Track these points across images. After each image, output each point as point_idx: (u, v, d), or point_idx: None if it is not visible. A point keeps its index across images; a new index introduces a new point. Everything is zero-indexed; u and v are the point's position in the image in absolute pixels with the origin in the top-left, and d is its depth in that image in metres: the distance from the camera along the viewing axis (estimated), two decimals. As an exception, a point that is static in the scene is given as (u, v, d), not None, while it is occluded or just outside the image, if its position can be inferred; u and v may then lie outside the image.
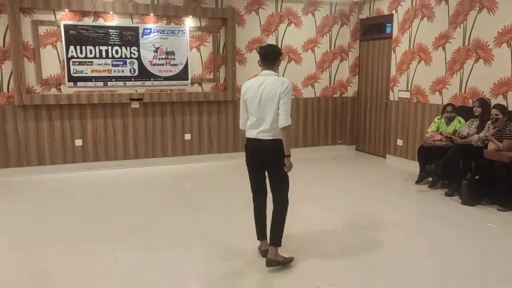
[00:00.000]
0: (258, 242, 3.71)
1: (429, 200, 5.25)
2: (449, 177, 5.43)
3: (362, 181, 6.16)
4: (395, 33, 7.14)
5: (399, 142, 7.14)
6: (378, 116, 7.76)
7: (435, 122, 5.85)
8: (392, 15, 7.18)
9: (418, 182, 5.83)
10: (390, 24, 7.33)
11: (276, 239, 3.44)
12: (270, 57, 3.47)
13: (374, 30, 7.72)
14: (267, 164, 3.50)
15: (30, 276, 3.34)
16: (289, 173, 3.51)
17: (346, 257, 3.74)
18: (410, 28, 6.83)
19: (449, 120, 5.70)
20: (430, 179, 5.76)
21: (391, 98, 7.30)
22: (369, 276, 3.41)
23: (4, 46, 6.03)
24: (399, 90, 7.11)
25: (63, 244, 3.90)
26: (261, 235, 3.65)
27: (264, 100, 3.39)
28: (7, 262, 3.57)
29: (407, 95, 6.95)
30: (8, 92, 6.13)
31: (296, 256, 3.59)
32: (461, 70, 6.03)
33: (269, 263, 3.41)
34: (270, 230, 3.49)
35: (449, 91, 6.23)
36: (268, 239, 3.52)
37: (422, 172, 5.82)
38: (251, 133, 3.47)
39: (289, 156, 3.41)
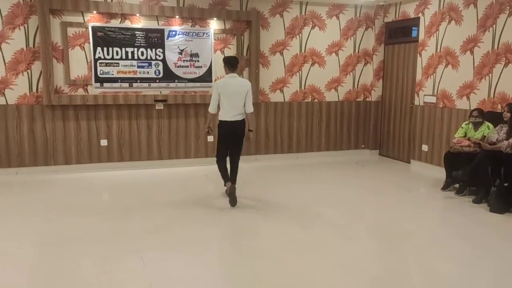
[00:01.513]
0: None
1: (456, 207, 5.14)
2: (477, 183, 5.30)
3: (386, 186, 6.08)
4: (421, 36, 7.04)
5: (424, 148, 7.02)
6: (402, 120, 7.65)
7: (462, 127, 5.73)
8: (418, 18, 7.08)
9: (444, 188, 5.72)
10: (416, 28, 7.23)
11: (236, 179, 5.18)
12: (236, 64, 5.05)
13: (400, 33, 7.63)
14: (237, 136, 5.11)
15: (56, 273, 3.39)
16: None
17: (370, 263, 3.69)
18: (437, 32, 6.73)
19: (476, 125, 5.57)
20: (456, 185, 5.64)
21: (416, 102, 7.19)
22: (393, 284, 3.35)
23: (34, 47, 6.17)
24: (424, 95, 7.00)
25: (88, 243, 3.94)
26: (227, 178, 5.17)
27: (236, 94, 4.96)
28: (32, 260, 3.63)
29: (433, 99, 6.83)
30: (37, 92, 6.27)
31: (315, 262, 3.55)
32: (490, 74, 5.91)
33: (234, 196, 5.00)
34: (233, 175, 5.18)
35: (477, 96, 6.10)
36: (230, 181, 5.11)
37: (448, 178, 5.71)
38: (226, 117, 5.00)
39: (252, 131, 5.20)
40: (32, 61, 6.20)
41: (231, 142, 5.15)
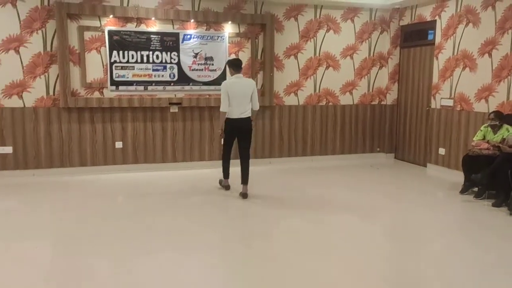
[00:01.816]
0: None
1: (475, 211, 5.05)
2: (496, 187, 5.20)
3: (402, 190, 6.00)
4: (438, 39, 6.97)
5: (441, 151, 6.92)
6: (418, 124, 7.56)
7: (481, 130, 5.64)
8: (435, 21, 7.01)
9: (463, 192, 5.62)
10: (432, 31, 7.15)
11: (248, 180, 5.46)
12: (240, 66, 5.47)
13: (416, 36, 7.56)
14: (245, 131, 5.46)
15: (72, 273, 3.40)
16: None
17: (384, 267, 3.63)
18: (454, 34, 6.65)
19: (493, 128, 5.47)
20: (475, 189, 5.54)
21: (432, 105, 7.10)
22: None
23: (51, 51, 6.25)
24: (441, 98, 6.91)
25: (104, 244, 3.95)
26: (228, 175, 5.68)
27: (243, 93, 5.35)
28: (49, 260, 3.64)
29: (450, 102, 6.74)
30: (54, 95, 6.34)
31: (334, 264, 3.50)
32: (509, 77, 5.81)
33: (246, 196, 5.37)
34: (245, 175, 5.45)
35: (495, 99, 6.00)
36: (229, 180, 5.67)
37: (466, 182, 5.61)
38: (234, 115, 5.34)
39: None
40: (49, 65, 6.28)
41: (239, 138, 5.49)
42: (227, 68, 5.64)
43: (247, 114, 5.41)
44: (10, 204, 5.30)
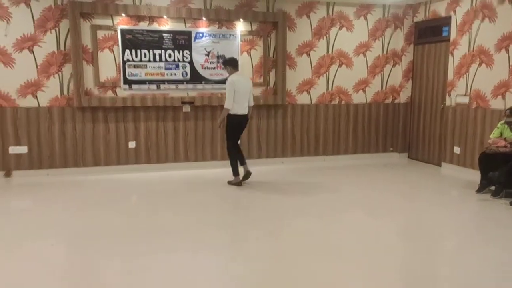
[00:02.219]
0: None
1: (492, 210, 4.95)
2: (514, 185, 5.10)
3: (417, 189, 5.92)
4: (453, 35, 6.86)
5: (456, 150, 6.82)
6: (433, 122, 7.46)
7: (498, 127, 5.53)
8: (449, 17, 6.91)
9: (479, 191, 5.52)
10: (447, 27, 7.05)
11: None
12: (238, 64, 5.93)
13: (430, 33, 7.45)
14: (246, 124, 5.97)
15: (86, 270, 3.40)
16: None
17: (401, 267, 3.57)
18: (470, 30, 6.54)
19: (510, 125, 5.36)
20: (492, 187, 5.44)
21: (447, 103, 7.00)
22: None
23: (65, 50, 6.28)
24: (457, 95, 6.81)
25: (117, 242, 3.95)
26: (244, 161, 5.95)
27: (245, 90, 5.76)
28: (65, 257, 3.65)
29: (465, 99, 6.64)
30: (68, 94, 6.37)
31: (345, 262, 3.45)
32: (527, 73, 5.70)
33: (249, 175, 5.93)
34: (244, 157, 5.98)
35: (513, 96, 5.90)
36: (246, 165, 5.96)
37: (483, 180, 5.52)
38: (240, 111, 5.73)
39: None
40: (63, 64, 6.31)
41: (242, 130, 5.99)
42: (227, 67, 5.86)
43: (248, 110, 5.86)
44: (24, 203, 5.35)
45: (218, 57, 6.88)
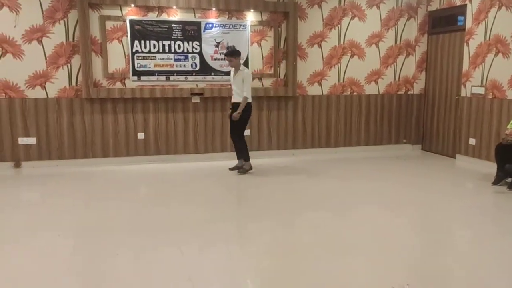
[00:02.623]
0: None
1: (508, 202, 4.81)
2: (532, 177, 4.95)
3: (431, 182, 5.77)
4: (468, 24, 6.68)
5: (472, 141, 6.65)
6: (447, 113, 7.29)
7: (515, 118, 5.37)
8: (465, 5, 6.72)
9: (495, 183, 5.36)
10: (462, 16, 6.86)
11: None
12: None
13: (445, 22, 7.27)
14: None
15: (94, 261, 3.35)
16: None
17: (417, 264, 3.46)
18: (486, 19, 6.36)
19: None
20: (509, 179, 5.29)
21: (462, 94, 6.83)
22: (437, 283, 3.11)
23: (73, 41, 6.24)
24: (472, 86, 6.63)
25: (127, 233, 3.90)
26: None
27: None
28: (72, 247, 3.61)
29: (481, 90, 6.46)
30: (76, 85, 6.33)
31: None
32: (546, 62, 5.51)
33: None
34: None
35: (531, 85, 5.72)
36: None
37: (499, 172, 5.36)
38: (250, 100, 5.99)
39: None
40: (72, 55, 6.27)
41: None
42: (237, 59, 5.91)
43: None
44: (33, 194, 5.34)
45: (228, 48, 6.78)
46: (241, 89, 5.86)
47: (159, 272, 3.12)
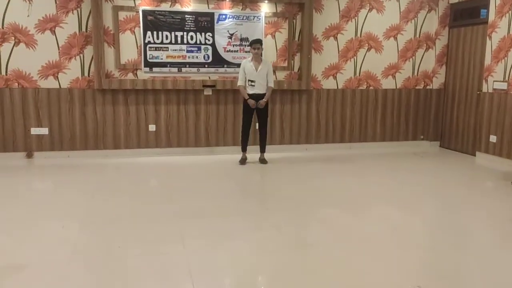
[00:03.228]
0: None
1: (530, 202, 4.59)
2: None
3: (449, 180, 5.56)
4: (491, 17, 6.41)
5: (493, 139, 6.40)
6: (467, 109, 7.03)
7: (539, 114, 5.12)
8: (488, -3, 6.46)
9: (516, 182, 5.15)
10: (485, 9, 6.59)
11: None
12: None
13: (466, 15, 7.00)
14: None
15: (96, 252, 3.29)
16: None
17: (433, 265, 3.30)
18: (510, 12, 6.09)
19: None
20: (531, 179, 5.06)
21: (484, 89, 6.57)
22: (456, 284, 2.95)
23: (86, 31, 6.21)
24: (494, 81, 6.37)
25: (131, 225, 3.84)
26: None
27: None
28: (75, 239, 3.56)
29: (504, 86, 6.20)
30: (88, 76, 6.31)
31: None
32: None
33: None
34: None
35: (557, 81, 5.45)
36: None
37: (521, 171, 5.14)
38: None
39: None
40: (85, 46, 6.25)
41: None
42: (261, 48, 5.96)
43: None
44: (44, 184, 5.34)
45: (241, 39, 6.67)
46: (265, 80, 5.96)
47: (159, 264, 3.04)
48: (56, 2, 6.06)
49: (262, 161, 6.17)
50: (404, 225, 3.96)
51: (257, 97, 5.96)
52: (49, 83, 6.20)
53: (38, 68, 6.14)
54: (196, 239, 3.53)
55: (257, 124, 6.31)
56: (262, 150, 6.24)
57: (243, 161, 6.15)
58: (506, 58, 6.18)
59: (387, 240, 3.58)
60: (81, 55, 6.25)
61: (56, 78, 6.22)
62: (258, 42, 5.94)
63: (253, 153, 6.26)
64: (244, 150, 6.21)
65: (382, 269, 3.05)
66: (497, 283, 2.91)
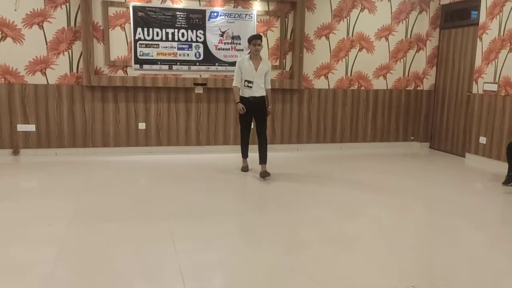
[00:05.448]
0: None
1: (520, 203, 4.61)
2: (545, 178, 4.74)
3: (439, 180, 5.58)
4: (482, 19, 6.45)
5: (482, 140, 6.43)
6: (457, 111, 7.07)
7: (529, 116, 5.16)
8: (479, -1, 6.50)
9: (506, 183, 5.15)
10: (476, 10, 6.63)
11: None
12: None
13: (457, 16, 7.04)
14: None
15: (83, 252, 3.22)
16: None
17: (423, 266, 3.29)
18: (501, 13, 6.13)
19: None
20: (520, 180, 5.08)
21: (474, 91, 6.60)
22: (449, 283, 2.94)
23: (75, 27, 6.10)
24: (484, 82, 6.41)
25: (120, 224, 3.77)
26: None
27: None
28: (62, 238, 3.48)
29: (494, 87, 6.24)
30: (77, 72, 6.20)
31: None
32: None
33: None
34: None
35: (546, 83, 5.49)
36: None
37: (510, 172, 5.15)
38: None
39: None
40: (73, 41, 6.14)
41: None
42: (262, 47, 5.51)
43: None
44: (30, 182, 5.22)
45: (233, 38, 6.62)
46: (263, 81, 5.31)
47: (148, 263, 2.97)
48: (44, -3, 5.95)
49: (264, 174, 5.20)
50: (395, 226, 3.95)
51: (254, 100, 5.26)
52: (37, 79, 6.08)
53: (25, 64, 6.01)
54: (187, 238, 3.47)
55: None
56: (263, 162, 5.33)
57: (245, 168, 5.58)
58: (496, 59, 6.22)
59: (378, 241, 3.56)
60: (70, 50, 6.14)
61: (44, 74, 6.10)
62: (259, 38, 5.26)
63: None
64: (244, 157, 5.60)
65: (375, 270, 3.03)
66: (487, 282, 2.91)
